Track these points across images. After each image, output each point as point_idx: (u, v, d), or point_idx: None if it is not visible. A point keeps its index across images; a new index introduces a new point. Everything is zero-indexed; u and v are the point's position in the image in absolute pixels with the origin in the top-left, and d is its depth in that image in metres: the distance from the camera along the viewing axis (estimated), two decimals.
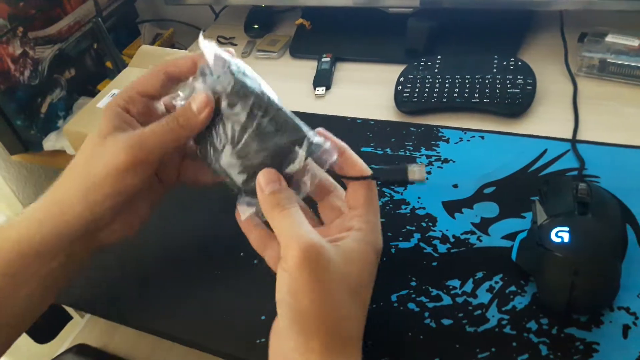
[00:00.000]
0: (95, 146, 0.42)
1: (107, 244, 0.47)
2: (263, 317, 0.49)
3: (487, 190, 0.57)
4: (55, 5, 0.84)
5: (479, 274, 0.49)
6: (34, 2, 0.82)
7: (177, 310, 0.51)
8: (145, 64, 0.73)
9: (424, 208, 0.56)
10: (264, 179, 0.40)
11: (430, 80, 0.70)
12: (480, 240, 0.52)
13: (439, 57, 0.73)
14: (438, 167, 0.60)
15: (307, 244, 0.36)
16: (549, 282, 0.45)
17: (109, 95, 0.67)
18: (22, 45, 0.81)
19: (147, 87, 0.44)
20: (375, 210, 0.43)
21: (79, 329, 0.59)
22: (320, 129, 0.44)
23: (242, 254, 0.54)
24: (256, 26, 0.91)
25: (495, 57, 0.71)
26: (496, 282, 0.48)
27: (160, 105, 0.47)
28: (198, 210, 0.61)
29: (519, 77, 0.67)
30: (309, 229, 0.38)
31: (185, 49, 0.83)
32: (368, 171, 0.43)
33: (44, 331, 0.62)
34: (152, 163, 0.43)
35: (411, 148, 0.63)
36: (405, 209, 0.56)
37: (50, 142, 0.80)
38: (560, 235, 0.45)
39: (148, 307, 0.52)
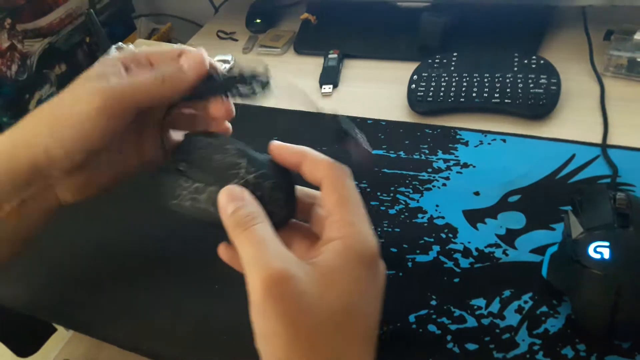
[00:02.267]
0: (73, 88, 0.38)
1: (64, 202, 0.41)
2: None
3: (512, 199, 0.52)
4: None
5: (507, 293, 0.44)
6: None
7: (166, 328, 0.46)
8: None
9: (443, 217, 0.51)
10: (225, 197, 0.34)
11: (447, 78, 0.65)
12: (507, 254, 0.47)
13: (455, 54, 0.68)
14: (457, 172, 0.56)
15: (268, 272, 0.30)
16: (587, 303, 0.40)
17: None
18: (10, 38, 0.76)
19: (159, 56, 0.40)
20: (354, 207, 0.34)
21: (64, 343, 0.54)
22: (275, 143, 0.38)
23: None
24: (258, 20, 0.86)
25: (516, 54, 0.66)
26: (525, 302, 0.44)
27: None
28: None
29: (542, 76, 0.62)
30: (275, 250, 0.32)
31: (184, 44, 0.78)
32: (335, 165, 0.36)
33: (25, 344, 0.57)
34: (126, 115, 0.38)
35: (427, 151, 0.58)
36: (422, 218, 0.52)
37: None
38: (599, 250, 0.40)
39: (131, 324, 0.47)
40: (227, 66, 0.77)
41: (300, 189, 0.39)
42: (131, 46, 0.70)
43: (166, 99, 0.39)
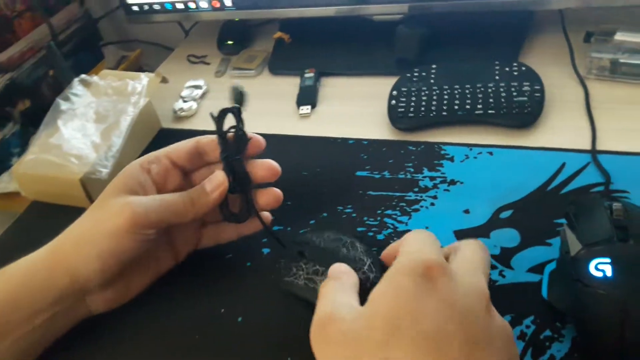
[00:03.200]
0: (101, 204, 0.42)
1: (95, 312, 0.44)
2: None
3: (504, 215, 0.50)
4: (4, 31, 0.76)
5: (507, 318, 0.42)
6: None
7: None
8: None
9: None
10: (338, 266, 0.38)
11: (427, 92, 0.63)
12: (504, 276, 0.45)
13: (433, 66, 0.66)
14: (444, 190, 0.53)
15: (318, 316, 0.33)
16: (593, 325, 0.38)
17: (65, 127, 0.59)
18: None
19: (176, 152, 0.46)
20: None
21: None
22: None
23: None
24: (230, 42, 0.83)
25: (496, 62, 0.64)
26: (527, 327, 0.41)
27: (180, 178, 0.47)
28: None
29: (524, 83, 0.60)
30: (337, 299, 0.34)
31: (153, 71, 0.75)
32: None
33: None
34: (154, 232, 0.41)
35: (412, 170, 0.56)
36: None
37: (3, 184, 0.72)
38: (600, 268, 0.38)
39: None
40: (200, 92, 0.74)
41: None
42: (95, 78, 0.67)
43: (192, 218, 0.43)
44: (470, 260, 0.35)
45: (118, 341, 0.45)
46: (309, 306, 0.40)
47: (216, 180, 0.44)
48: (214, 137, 0.46)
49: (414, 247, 0.35)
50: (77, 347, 0.44)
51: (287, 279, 0.42)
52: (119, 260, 0.41)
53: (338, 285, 0.35)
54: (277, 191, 0.47)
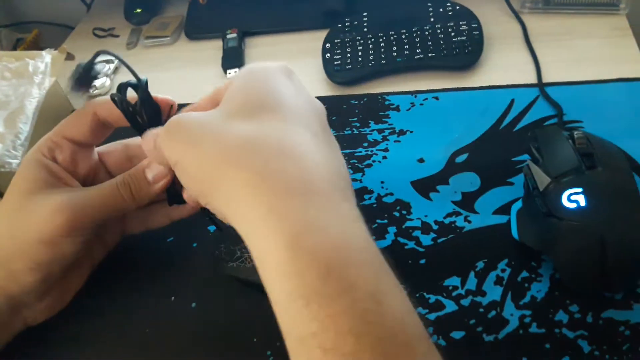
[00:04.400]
0: (20, 205, 0.35)
1: (32, 324, 0.38)
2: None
3: (460, 159, 0.47)
4: None
5: (480, 264, 0.39)
6: None
7: None
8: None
9: (391, 194, 0.45)
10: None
11: (362, 41, 0.59)
12: (469, 221, 0.42)
13: (364, 14, 0.62)
14: (395, 141, 0.50)
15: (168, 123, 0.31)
16: (571, 258, 0.36)
17: None
18: None
19: (74, 131, 0.38)
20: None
21: None
22: None
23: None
24: (139, 10, 0.75)
25: (429, 4, 0.61)
26: (503, 270, 0.39)
27: (93, 155, 0.40)
28: None
29: (461, 23, 0.58)
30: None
31: (55, 49, 0.67)
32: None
33: None
34: (93, 228, 0.36)
35: (358, 124, 0.52)
36: (370, 198, 0.45)
37: None
38: (573, 199, 0.36)
39: None
40: (112, 66, 0.67)
41: None
42: None
43: (133, 209, 0.38)
44: None
45: (60, 349, 0.39)
46: (261, 288, 0.36)
47: (160, 170, 0.37)
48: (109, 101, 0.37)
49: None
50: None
51: (231, 264, 0.38)
52: (58, 268, 0.35)
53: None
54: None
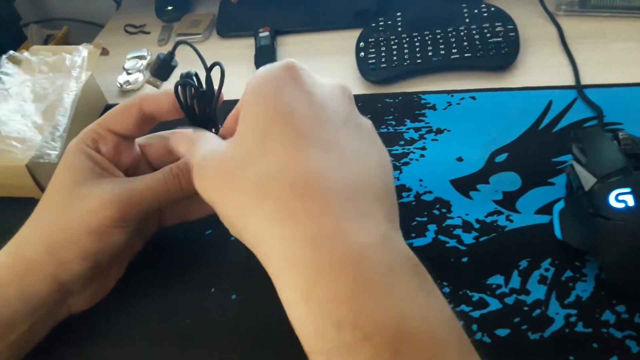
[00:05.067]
0: (69, 195, 0.35)
1: (75, 312, 0.38)
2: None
3: (499, 158, 0.47)
4: None
5: (524, 263, 0.39)
6: None
7: None
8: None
9: (430, 192, 0.45)
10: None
11: (396, 41, 0.59)
12: (511, 220, 0.42)
13: (398, 14, 0.62)
14: (432, 139, 0.50)
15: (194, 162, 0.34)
16: (618, 258, 0.36)
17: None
18: None
19: (118, 124, 0.38)
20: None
21: None
22: None
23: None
24: (170, 7, 0.76)
25: (463, 5, 0.61)
26: (547, 270, 0.39)
27: (135, 147, 0.40)
28: None
29: (496, 24, 0.58)
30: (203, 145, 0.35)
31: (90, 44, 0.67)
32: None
33: None
34: (140, 220, 0.37)
35: (393, 122, 0.52)
36: (408, 196, 0.45)
37: None
38: (621, 199, 0.36)
39: None
40: (145, 62, 0.67)
41: None
42: (26, 54, 0.59)
43: (181, 198, 0.37)
44: None
45: (105, 337, 0.39)
46: None
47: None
48: (157, 93, 0.38)
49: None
50: (60, 347, 0.38)
51: None
52: (105, 257, 0.36)
53: (191, 141, 0.35)
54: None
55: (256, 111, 0.30)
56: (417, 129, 0.51)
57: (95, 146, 0.38)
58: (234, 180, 0.29)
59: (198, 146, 0.34)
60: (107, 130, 0.38)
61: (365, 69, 0.58)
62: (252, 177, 0.28)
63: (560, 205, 0.41)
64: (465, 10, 0.60)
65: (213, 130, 0.39)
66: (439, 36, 0.58)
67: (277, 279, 0.27)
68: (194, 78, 0.37)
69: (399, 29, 0.60)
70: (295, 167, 0.27)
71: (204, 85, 0.37)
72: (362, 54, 0.59)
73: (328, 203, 0.26)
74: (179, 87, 0.36)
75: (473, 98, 0.53)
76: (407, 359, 0.22)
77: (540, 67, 0.55)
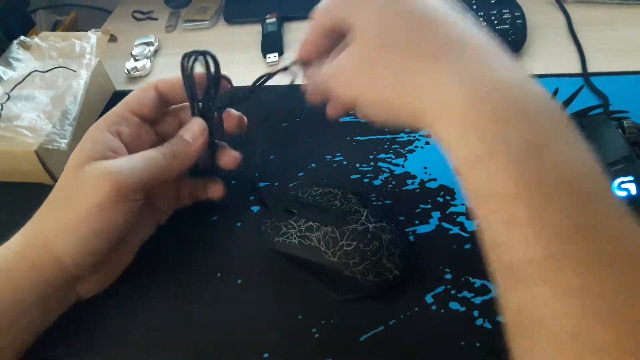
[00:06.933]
0: (72, 177, 0.36)
1: (84, 297, 0.39)
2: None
3: None
4: None
5: None
6: None
7: None
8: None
9: (434, 179, 0.46)
10: None
11: None
12: None
13: None
14: None
15: None
16: None
17: (10, 96, 0.52)
18: None
19: (139, 105, 0.40)
20: None
21: None
22: None
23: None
24: None
25: None
26: None
27: (153, 134, 0.42)
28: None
29: (504, 11, 0.58)
30: None
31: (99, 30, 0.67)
32: None
33: None
34: (141, 197, 0.37)
35: None
36: (412, 183, 0.46)
37: None
38: (624, 187, 0.36)
39: None
40: (152, 48, 0.68)
41: None
42: (36, 39, 0.60)
43: (177, 172, 0.38)
44: None
45: (108, 322, 0.40)
46: (304, 264, 0.38)
47: (196, 128, 0.39)
48: (171, 78, 0.40)
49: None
50: (68, 333, 0.39)
51: (277, 239, 0.39)
52: (109, 238, 0.36)
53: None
54: (235, 152, 0.42)
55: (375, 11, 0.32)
56: None
57: (116, 129, 0.39)
58: (381, 60, 0.31)
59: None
60: (129, 111, 0.40)
61: None
62: (397, 47, 0.30)
63: None
64: None
65: (216, 114, 0.40)
66: None
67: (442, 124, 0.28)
68: (208, 56, 0.39)
69: None
70: (437, 32, 0.29)
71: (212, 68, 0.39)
72: None
73: (479, 52, 0.29)
74: (188, 58, 0.39)
75: None
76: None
77: (547, 55, 0.55)
